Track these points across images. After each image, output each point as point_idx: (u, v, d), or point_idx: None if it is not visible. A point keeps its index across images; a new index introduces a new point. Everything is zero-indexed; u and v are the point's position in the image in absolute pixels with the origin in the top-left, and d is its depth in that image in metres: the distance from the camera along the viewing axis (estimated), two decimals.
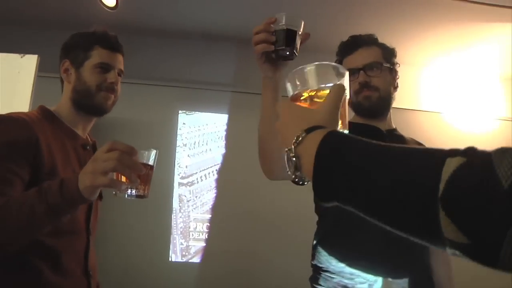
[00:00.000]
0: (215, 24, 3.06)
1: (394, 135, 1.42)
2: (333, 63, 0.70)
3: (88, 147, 1.35)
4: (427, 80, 3.50)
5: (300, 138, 0.58)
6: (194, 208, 3.02)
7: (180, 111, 3.17)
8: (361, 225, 1.27)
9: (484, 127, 3.43)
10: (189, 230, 2.98)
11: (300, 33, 1.04)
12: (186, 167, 3.09)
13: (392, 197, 0.45)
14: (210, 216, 3.02)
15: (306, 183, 0.60)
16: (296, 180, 0.60)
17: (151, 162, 1.03)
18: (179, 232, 2.96)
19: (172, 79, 3.16)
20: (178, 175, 3.06)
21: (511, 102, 3.55)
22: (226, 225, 2.98)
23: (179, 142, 3.10)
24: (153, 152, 1.03)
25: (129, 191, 0.98)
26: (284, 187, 3.20)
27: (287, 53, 1.03)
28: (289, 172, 0.60)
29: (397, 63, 1.49)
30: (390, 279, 1.21)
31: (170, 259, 2.90)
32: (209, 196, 3.07)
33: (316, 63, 0.66)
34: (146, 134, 3.02)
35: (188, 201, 3.03)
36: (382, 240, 1.23)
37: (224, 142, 3.18)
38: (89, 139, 1.42)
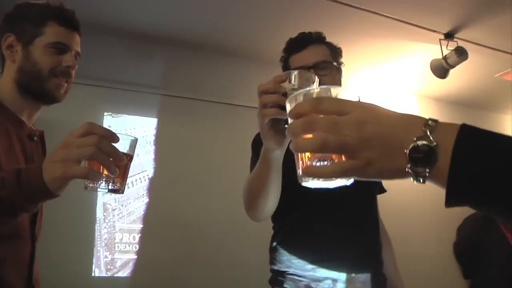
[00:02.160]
0: (145, 24, 2.89)
1: None
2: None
3: (35, 138, 1.17)
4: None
5: (430, 128, 0.49)
6: (120, 218, 2.81)
7: (105, 113, 2.95)
8: (324, 226, 1.29)
9: None
10: (114, 241, 2.75)
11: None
12: None
13: None
14: (139, 225, 2.83)
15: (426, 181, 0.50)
16: (420, 176, 0.49)
17: (130, 152, 0.87)
18: (103, 244, 2.72)
19: (97, 78, 2.90)
20: None
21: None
22: (156, 234, 2.81)
23: None
24: (133, 140, 0.87)
25: (103, 183, 0.82)
26: (215, 194, 3.11)
27: None
28: (408, 169, 0.49)
29: (342, 62, 1.50)
30: (353, 275, 1.26)
31: (93, 274, 2.65)
32: (136, 204, 2.87)
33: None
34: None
35: (113, 210, 2.80)
36: (347, 240, 1.28)
37: (154, 147, 3.01)
38: (35, 129, 1.22)
